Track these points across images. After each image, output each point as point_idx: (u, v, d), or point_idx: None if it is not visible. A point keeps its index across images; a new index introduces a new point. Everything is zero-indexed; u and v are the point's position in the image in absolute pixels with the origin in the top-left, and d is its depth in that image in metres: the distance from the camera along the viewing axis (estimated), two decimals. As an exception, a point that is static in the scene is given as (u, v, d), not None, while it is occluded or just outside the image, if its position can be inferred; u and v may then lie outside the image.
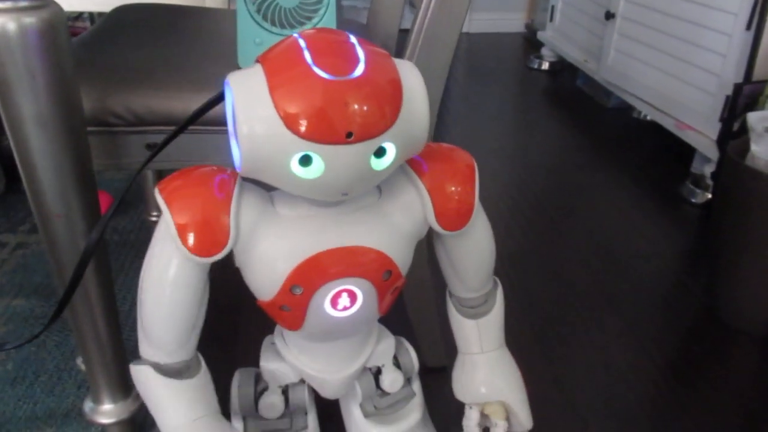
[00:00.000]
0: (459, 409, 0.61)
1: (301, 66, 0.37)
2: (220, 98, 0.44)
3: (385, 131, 0.38)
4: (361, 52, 0.39)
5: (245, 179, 0.45)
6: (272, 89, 0.37)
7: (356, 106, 0.37)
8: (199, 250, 0.42)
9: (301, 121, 0.37)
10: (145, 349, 0.49)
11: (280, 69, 0.38)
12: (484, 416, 0.60)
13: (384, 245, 0.47)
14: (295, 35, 0.40)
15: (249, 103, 0.37)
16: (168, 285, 0.45)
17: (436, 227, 0.48)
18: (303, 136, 0.37)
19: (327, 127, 0.37)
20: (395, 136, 0.39)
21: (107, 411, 0.71)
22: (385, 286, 0.48)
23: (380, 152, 0.39)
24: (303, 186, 0.40)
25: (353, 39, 0.40)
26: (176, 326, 0.47)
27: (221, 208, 0.42)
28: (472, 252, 0.55)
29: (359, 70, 0.38)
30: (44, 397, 0.85)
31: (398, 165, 0.43)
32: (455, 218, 0.48)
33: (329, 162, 0.38)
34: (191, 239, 0.42)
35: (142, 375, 0.49)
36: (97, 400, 0.71)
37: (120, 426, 0.72)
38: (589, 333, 1.03)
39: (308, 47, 0.38)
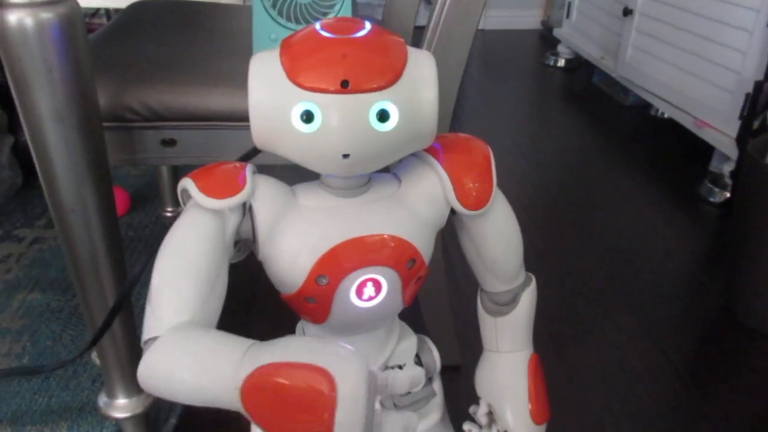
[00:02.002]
0: (467, 406, 0.61)
1: (310, 32, 0.41)
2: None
3: (384, 89, 0.40)
4: (368, 24, 0.42)
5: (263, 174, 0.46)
6: (281, 53, 0.41)
7: (353, 58, 0.39)
8: (214, 192, 0.43)
9: (300, 72, 0.39)
10: (151, 325, 0.41)
11: (292, 38, 0.42)
12: (492, 412, 0.60)
13: (407, 233, 0.47)
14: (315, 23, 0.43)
15: (261, 66, 0.41)
16: (186, 238, 0.43)
17: (458, 207, 0.48)
18: (302, 86, 0.39)
19: (323, 76, 0.39)
20: (397, 98, 0.40)
21: (121, 406, 0.71)
22: (409, 275, 0.49)
23: (384, 117, 0.40)
24: (303, 144, 0.41)
25: (367, 21, 0.43)
26: (195, 279, 0.42)
27: (238, 171, 0.45)
28: (497, 235, 0.54)
29: (362, 33, 0.41)
30: (59, 391, 0.85)
31: (409, 142, 0.43)
32: (476, 196, 0.49)
33: (326, 112, 0.39)
34: (208, 185, 0.44)
35: (158, 352, 0.39)
36: (111, 395, 0.71)
37: (134, 421, 0.73)
38: (605, 332, 1.02)
39: (321, 23, 0.42)
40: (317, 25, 0.41)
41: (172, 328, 0.40)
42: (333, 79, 0.39)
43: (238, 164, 0.46)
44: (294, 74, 0.39)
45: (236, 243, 0.46)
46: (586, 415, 0.86)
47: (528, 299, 0.57)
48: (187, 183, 0.44)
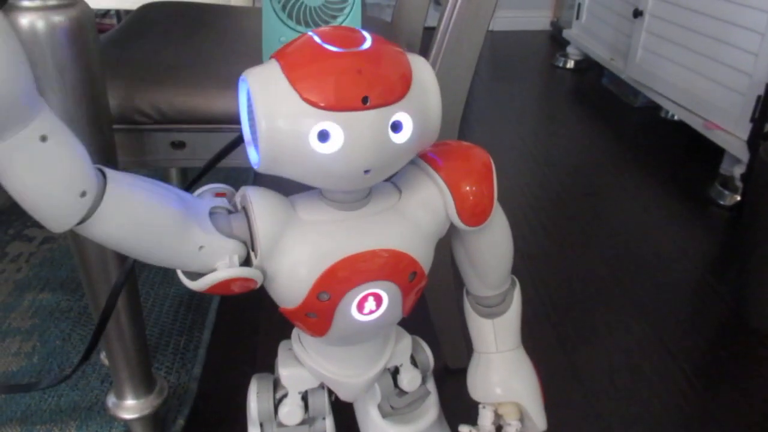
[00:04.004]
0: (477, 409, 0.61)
1: (313, 46, 0.39)
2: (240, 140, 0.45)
3: (399, 100, 0.39)
4: (367, 34, 0.41)
5: (260, 188, 0.45)
6: (286, 71, 0.39)
7: (369, 73, 0.38)
8: None
9: (317, 92, 0.38)
10: None
11: (292, 54, 0.40)
12: (497, 415, 0.60)
13: (408, 246, 0.46)
14: (308, 32, 0.42)
15: (266, 86, 0.38)
16: None
17: (458, 223, 0.48)
18: (321, 107, 0.38)
19: (343, 94, 0.38)
20: (410, 107, 0.40)
21: (130, 406, 0.71)
22: (410, 288, 0.48)
23: (397, 127, 0.40)
24: (324, 166, 0.40)
25: (362, 30, 0.42)
26: None
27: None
28: (492, 248, 0.54)
29: (366, 44, 0.40)
30: (68, 391, 0.86)
31: (417, 147, 0.43)
32: (476, 213, 0.48)
33: (348, 131, 0.38)
34: None
35: None
36: (120, 396, 0.71)
37: (142, 421, 0.73)
38: (614, 336, 1.02)
39: (317, 34, 0.40)
40: (316, 38, 0.40)
41: None
42: (353, 96, 0.38)
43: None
44: (310, 95, 0.38)
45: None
46: (594, 418, 0.86)
47: (518, 297, 0.58)
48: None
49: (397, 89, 0.39)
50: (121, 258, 0.63)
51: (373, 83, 0.38)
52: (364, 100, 0.38)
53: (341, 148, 0.39)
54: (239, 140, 0.48)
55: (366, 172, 0.40)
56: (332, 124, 0.38)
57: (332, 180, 0.42)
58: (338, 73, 0.38)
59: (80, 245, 0.60)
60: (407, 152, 0.42)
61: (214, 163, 0.50)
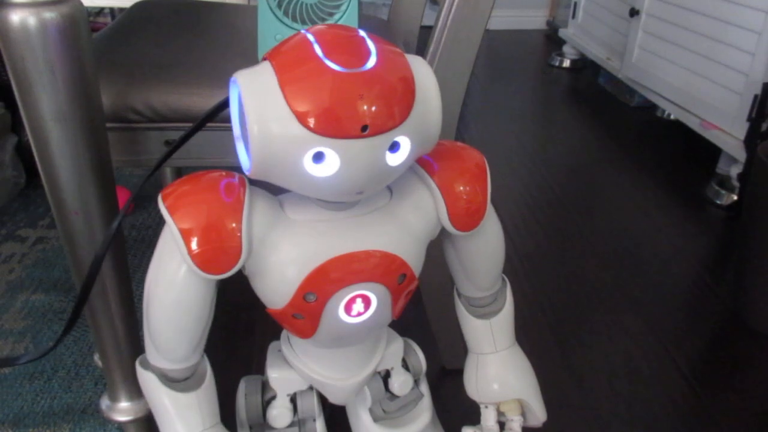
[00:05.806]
0: (475, 409, 0.61)
1: (313, 60, 0.37)
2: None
3: (400, 125, 0.38)
4: (372, 45, 0.38)
5: (252, 183, 0.44)
6: (283, 85, 0.36)
7: (371, 99, 0.36)
8: (208, 268, 0.42)
9: (315, 116, 0.36)
10: (152, 353, 0.49)
11: (290, 64, 0.37)
12: (499, 413, 0.59)
13: (398, 248, 0.46)
14: (303, 31, 0.39)
15: (259, 100, 0.36)
16: (176, 299, 0.44)
17: (449, 227, 0.48)
18: (317, 132, 0.36)
19: (342, 121, 0.36)
20: (409, 130, 0.39)
21: (124, 409, 0.71)
22: (399, 290, 0.47)
23: (394, 147, 0.39)
24: (316, 185, 0.39)
25: (362, 33, 0.39)
26: (184, 339, 0.46)
27: (231, 217, 0.41)
28: (483, 252, 0.54)
29: (371, 62, 0.37)
30: (62, 393, 0.85)
31: (412, 162, 0.42)
32: (468, 218, 0.48)
33: (344, 157, 0.37)
34: (199, 255, 0.41)
35: (147, 381, 0.50)
36: (113, 398, 0.70)
37: (136, 424, 0.72)
38: (612, 336, 1.01)
39: (318, 41, 0.37)
40: (318, 50, 0.37)
41: (165, 373, 0.49)
42: (353, 125, 0.36)
43: (224, 181, 0.42)
44: (307, 119, 0.36)
45: None
46: (593, 419, 0.85)
47: (510, 296, 0.59)
48: (172, 229, 0.41)
49: (398, 114, 0.38)
50: (115, 259, 0.62)
51: (374, 111, 0.36)
52: (364, 128, 0.36)
53: (336, 173, 0.38)
54: (224, 104, 0.45)
55: (359, 193, 0.40)
56: (328, 149, 0.37)
57: (324, 195, 0.41)
58: (339, 100, 0.36)
59: (72, 245, 0.60)
60: (401, 169, 0.41)
61: (195, 130, 0.50)
